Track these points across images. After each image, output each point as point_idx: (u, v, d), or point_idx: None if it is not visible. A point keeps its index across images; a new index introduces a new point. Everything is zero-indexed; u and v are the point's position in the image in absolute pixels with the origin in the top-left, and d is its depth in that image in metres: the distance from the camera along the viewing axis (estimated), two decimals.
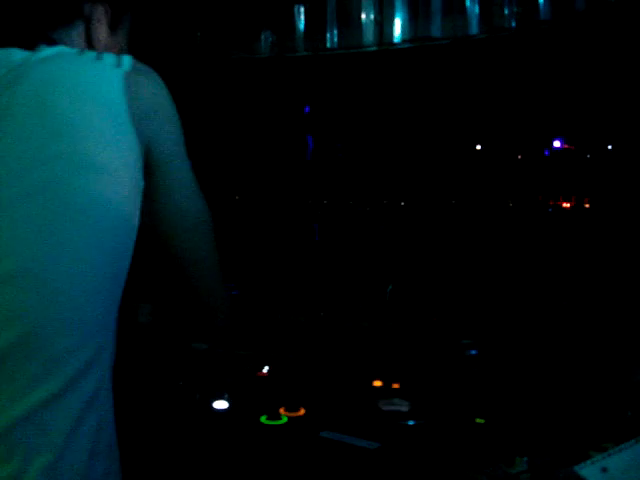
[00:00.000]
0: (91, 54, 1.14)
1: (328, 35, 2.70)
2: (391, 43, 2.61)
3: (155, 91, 1.17)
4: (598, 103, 2.46)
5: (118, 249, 1.12)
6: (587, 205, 2.65)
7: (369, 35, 2.64)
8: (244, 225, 3.20)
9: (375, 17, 2.63)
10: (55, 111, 1.07)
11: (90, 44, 1.27)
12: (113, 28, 1.30)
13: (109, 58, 1.14)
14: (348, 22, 2.68)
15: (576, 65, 2.46)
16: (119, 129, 1.10)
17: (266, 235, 3.17)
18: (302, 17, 2.76)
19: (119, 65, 1.13)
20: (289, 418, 1.80)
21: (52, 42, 1.19)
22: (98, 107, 1.09)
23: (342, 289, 2.83)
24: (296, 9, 2.74)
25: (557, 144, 2.72)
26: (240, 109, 3.09)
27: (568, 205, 2.67)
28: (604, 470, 1.32)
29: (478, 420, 1.75)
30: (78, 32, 1.25)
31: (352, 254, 3.00)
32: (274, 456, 1.67)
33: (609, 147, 2.60)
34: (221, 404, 1.87)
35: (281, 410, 1.83)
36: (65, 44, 1.21)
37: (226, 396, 1.89)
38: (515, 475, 1.45)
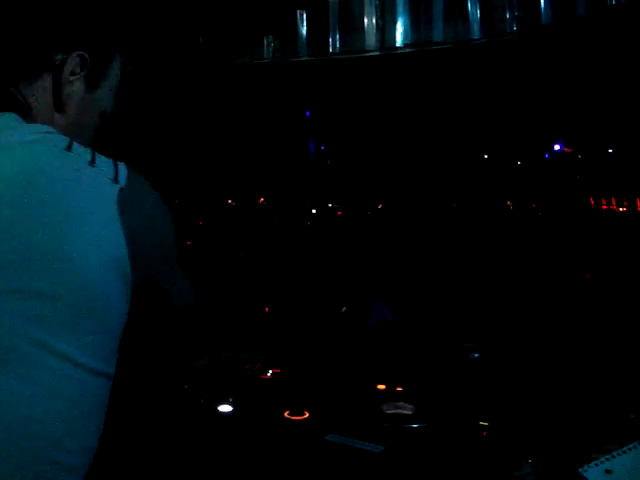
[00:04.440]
0: (84, 155, 0.93)
1: (330, 40, 2.71)
2: (393, 47, 2.62)
3: (150, 212, 1.00)
4: (601, 107, 2.46)
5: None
6: (589, 207, 2.65)
7: (371, 40, 2.65)
8: (241, 228, 3.20)
9: (377, 22, 2.64)
10: (35, 237, 0.85)
11: (59, 102, 1.01)
12: (93, 84, 1.05)
13: (104, 165, 0.94)
14: (350, 27, 2.69)
15: (578, 69, 2.46)
16: (113, 258, 0.90)
17: (268, 238, 3.18)
18: (304, 22, 2.77)
19: (116, 180, 0.93)
20: (293, 421, 1.81)
21: (19, 108, 0.96)
22: (92, 238, 0.88)
23: (342, 292, 2.83)
24: (298, 14, 2.75)
25: (557, 147, 2.72)
26: (242, 114, 3.10)
27: (577, 207, 2.68)
28: (608, 472, 1.33)
29: (482, 423, 1.76)
30: (44, 87, 0.99)
31: (352, 257, 3.01)
32: (279, 459, 1.68)
33: (609, 150, 2.61)
34: (226, 407, 1.88)
35: (285, 414, 1.84)
36: (27, 102, 0.98)
37: (230, 400, 1.90)
38: (520, 477, 1.46)
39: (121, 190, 0.92)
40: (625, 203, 2.51)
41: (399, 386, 2.02)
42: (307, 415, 1.84)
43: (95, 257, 0.88)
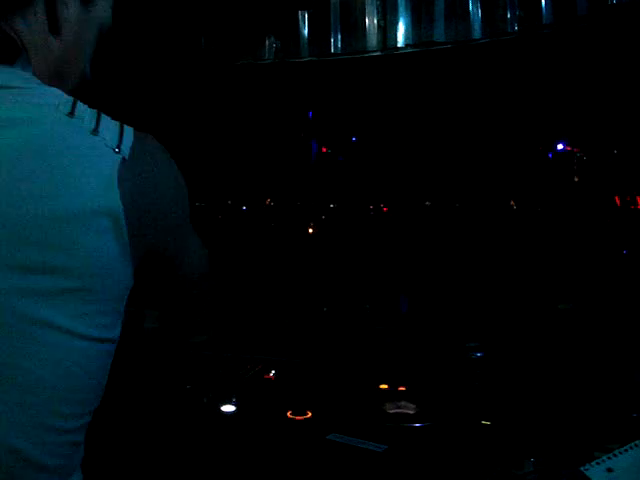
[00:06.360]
0: (88, 122, 0.91)
1: (332, 40, 2.71)
2: (395, 48, 2.62)
3: (157, 182, 0.96)
4: (603, 106, 2.46)
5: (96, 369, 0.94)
6: (590, 209, 2.65)
7: (373, 40, 2.66)
8: (247, 230, 3.21)
9: (379, 22, 2.64)
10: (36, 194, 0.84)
11: (54, 26, 0.98)
12: (88, 0, 1.02)
13: (107, 133, 0.91)
14: (351, 27, 2.69)
15: (579, 69, 2.47)
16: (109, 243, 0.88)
17: (271, 241, 3.19)
18: (306, 23, 2.77)
19: (119, 149, 0.90)
20: (296, 421, 1.82)
21: (9, 43, 0.94)
22: (86, 202, 0.86)
23: (347, 293, 2.84)
24: (300, 15, 2.76)
25: (560, 147, 2.72)
26: (245, 115, 3.10)
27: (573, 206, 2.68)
28: (609, 470, 1.33)
29: (484, 422, 1.76)
30: (37, 13, 0.96)
31: (357, 257, 3.01)
32: (281, 459, 1.68)
33: (612, 150, 2.61)
34: (229, 407, 1.89)
35: (288, 413, 1.84)
36: (18, 33, 0.95)
37: (234, 399, 1.90)
38: (522, 476, 1.46)
39: (123, 160, 0.90)
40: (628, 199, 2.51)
41: (402, 386, 2.02)
42: (309, 414, 1.85)
43: (91, 223, 0.86)
